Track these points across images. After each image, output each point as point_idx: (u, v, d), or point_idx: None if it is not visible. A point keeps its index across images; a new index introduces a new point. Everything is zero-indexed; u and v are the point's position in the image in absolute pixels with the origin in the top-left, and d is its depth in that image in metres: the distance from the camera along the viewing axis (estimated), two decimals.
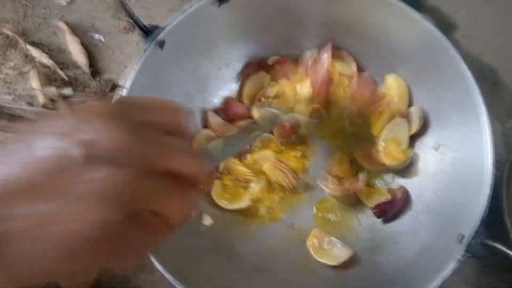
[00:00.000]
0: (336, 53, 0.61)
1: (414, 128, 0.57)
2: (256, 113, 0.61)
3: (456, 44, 0.50)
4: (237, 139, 0.44)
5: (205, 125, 0.62)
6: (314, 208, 0.59)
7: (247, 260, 0.54)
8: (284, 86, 0.62)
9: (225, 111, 0.64)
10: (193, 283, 0.44)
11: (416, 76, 0.55)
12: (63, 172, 0.22)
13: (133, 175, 0.23)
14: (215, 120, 0.62)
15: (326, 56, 0.60)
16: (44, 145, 0.23)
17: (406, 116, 0.58)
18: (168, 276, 0.43)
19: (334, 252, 0.55)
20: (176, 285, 0.42)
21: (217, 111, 0.63)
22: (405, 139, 0.57)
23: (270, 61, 0.63)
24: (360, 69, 0.61)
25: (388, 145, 0.57)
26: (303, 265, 0.55)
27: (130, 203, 0.24)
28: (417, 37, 0.51)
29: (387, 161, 0.56)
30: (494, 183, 0.45)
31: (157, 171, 0.25)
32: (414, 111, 0.57)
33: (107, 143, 0.23)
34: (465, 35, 0.75)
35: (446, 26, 0.51)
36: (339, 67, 0.61)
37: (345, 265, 0.53)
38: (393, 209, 0.55)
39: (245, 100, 0.64)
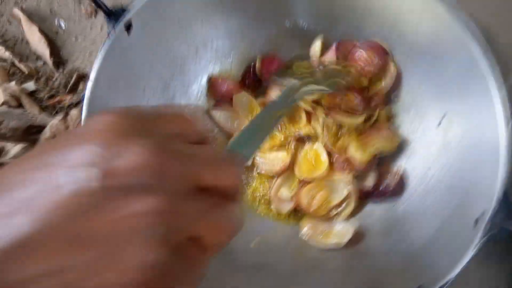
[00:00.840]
0: None
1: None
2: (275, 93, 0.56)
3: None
4: (257, 125, 0.38)
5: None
6: None
7: (243, 258, 0.50)
8: None
9: (212, 94, 0.58)
10: None
11: (415, 50, 0.51)
12: (93, 212, 0.19)
13: (172, 201, 0.20)
14: (221, 116, 0.57)
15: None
16: (64, 181, 0.19)
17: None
18: None
19: (338, 231, 0.52)
20: None
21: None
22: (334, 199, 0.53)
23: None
24: None
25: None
26: (303, 256, 0.52)
27: (175, 235, 0.21)
28: (415, 6, 0.47)
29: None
30: None
31: (194, 189, 0.22)
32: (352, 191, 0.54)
33: (136, 168, 0.20)
34: None
35: None
36: None
37: (351, 254, 0.50)
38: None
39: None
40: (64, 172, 0.19)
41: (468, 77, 0.45)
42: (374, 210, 0.54)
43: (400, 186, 0.53)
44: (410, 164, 0.53)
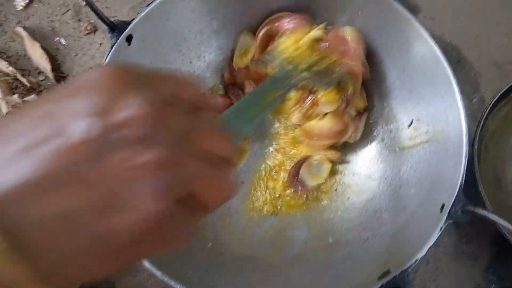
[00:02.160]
0: None
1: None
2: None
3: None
4: (255, 101, 0.35)
5: None
6: None
7: (233, 251, 0.53)
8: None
9: None
10: (181, 277, 0.43)
11: (388, 57, 0.56)
12: (97, 161, 0.19)
13: (175, 154, 0.20)
14: None
15: None
16: (67, 130, 0.19)
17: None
18: (157, 272, 0.42)
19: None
20: (165, 280, 0.41)
21: None
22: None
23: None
24: None
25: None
26: (287, 250, 0.55)
27: (177, 187, 0.21)
28: (386, 18, 0.52)
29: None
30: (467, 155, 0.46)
31: (196, 149, 0.22)
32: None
33: (138, 120, 0.20)
34: (426, 16, 0.78)
35: (408, 8, 0.53)
36: None
37: (331, 245, 0.54)
38: None
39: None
40: (67, 121, 0.19)
41: (435, 79, 0.50)
42: (352, 206, 0.58)
43: None
44: (384, 163, 0.58)
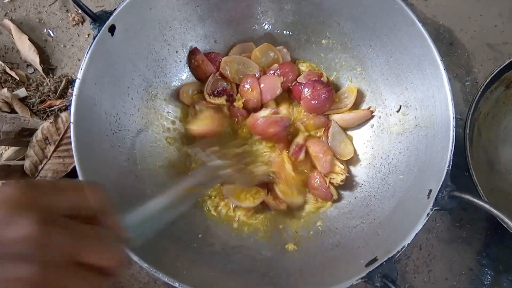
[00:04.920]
0: None
1: None
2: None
3: (411, 8, 0.50)
4: (164, 205, 0.36)
5: None
6: None
7: (223, 241, 0.53)
8: None
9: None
10: (170, 269, 0.43)
11: (376, 42, 0.55)
12: None
13: (46, 271, 0.24)
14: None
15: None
16: None
17: None
18: (144, 265, 0.42)
19: None
20: (152, 273, 0.41)
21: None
22: None
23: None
24: None
25: None
26: (277, 238, 0.55)
27: None
28: (374, 2, 0.51)
29: None
30: (458, 140, 0.45)
31: (73, 263, 0.25)
32: None
33: (20, 239, 0.23)
34: None
35: None
36: None
37: (321, 233, 0.54)
38: None
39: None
40: None
41: (423, 63, 0.49)
42: (343, 195, 0.58)
43: None
44: (374, 149, 0.58)
